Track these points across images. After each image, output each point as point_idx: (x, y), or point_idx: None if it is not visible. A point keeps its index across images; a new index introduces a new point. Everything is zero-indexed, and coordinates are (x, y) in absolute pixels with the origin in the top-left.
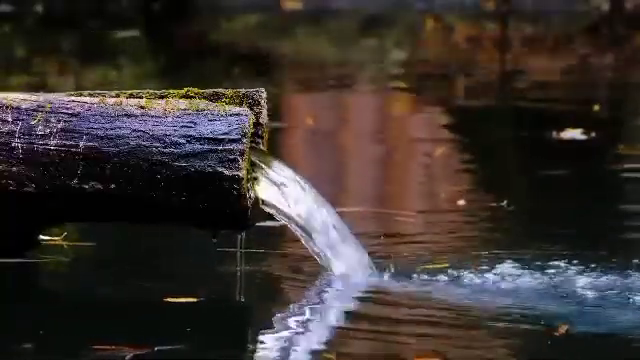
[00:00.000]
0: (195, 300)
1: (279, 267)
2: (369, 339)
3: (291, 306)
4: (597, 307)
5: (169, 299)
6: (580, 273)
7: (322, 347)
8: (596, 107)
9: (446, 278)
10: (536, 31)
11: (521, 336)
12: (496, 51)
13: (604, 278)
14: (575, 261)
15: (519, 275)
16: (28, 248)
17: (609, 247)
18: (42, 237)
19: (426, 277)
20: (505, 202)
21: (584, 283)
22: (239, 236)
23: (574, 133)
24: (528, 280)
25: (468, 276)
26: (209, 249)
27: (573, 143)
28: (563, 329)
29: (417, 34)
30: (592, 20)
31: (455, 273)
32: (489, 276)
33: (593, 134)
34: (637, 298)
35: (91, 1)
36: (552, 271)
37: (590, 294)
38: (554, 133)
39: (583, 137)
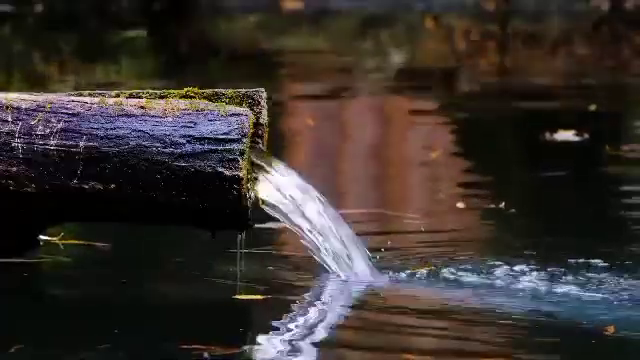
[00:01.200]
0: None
1: (279, 267)
2: (370, 339)
3: (291, 307)
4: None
5: (238, 296)
6: (600, 273)
7: (323, 349)
8: (592, 107)
9: (452, 280)
10: (536, 31)
11: (569, 337)
12: (496, 51)
13: (626, 277)
14: (591, 262)
15: (539, 276)
16: (28, 248)
17: (618, 246)
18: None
19: (430, 279)
20: (503, 204)
21: (609, 283)
22: (239, 236)
23: (567, 134)
24: (552, 281)
25: (487, 278)
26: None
27: (566, 144)
28: (611, 330)
29: (417, 34)
30: (592, 20)
31: (469, 275)
32: (507, 279)
33: (586, 135)
34: None
35: (91, 1)
36: (570, 272)
37: (623, 294)
38: (547, 134)
39: (576, 138)
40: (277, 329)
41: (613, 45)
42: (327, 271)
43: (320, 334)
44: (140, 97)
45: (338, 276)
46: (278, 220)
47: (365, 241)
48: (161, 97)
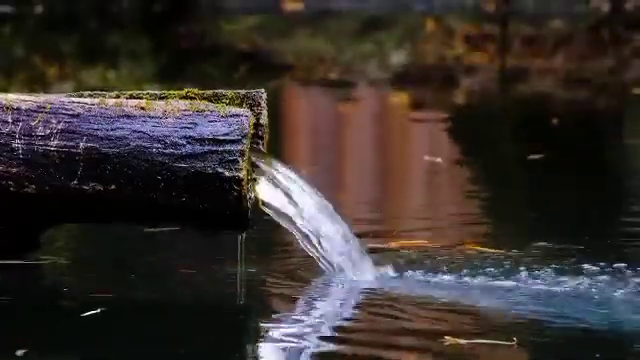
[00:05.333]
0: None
1: (279, 268)
2: (371, 339)
3: (291, 308)
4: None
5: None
6: (596, 273)
7: (324, 349)
8: (554, 121)
9: (454, 280)
10: (536, 32)
11: (569, 337)
12: (495, 53)
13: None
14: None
15: (539, 276)
16: (28, 249)
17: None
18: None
19: (431, 279)
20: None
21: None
22: (239, 237)
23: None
24: (552, 282)
25: (486, 278)
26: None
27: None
28: None
29: (417, 35)
30: (592, 21)
31: (460, 276)
32: (507, 279)
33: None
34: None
35: (91, 1)
36: (569, 273)
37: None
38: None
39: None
40: (277, 329)
41: (613, 46)
42: (326, 271)
43: (320, 334)
44: (140, 98)
45: (337, 276)
46: (277, 221)
47: (364, 241)
48: (161, 98)
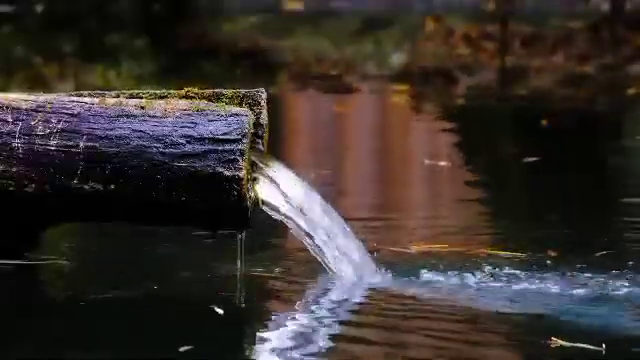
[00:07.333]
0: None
1: (279, 268)
2: (370, 340)
3: (291, 308)
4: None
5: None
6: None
7: (322, 349)
8: (543, 122)
9: (450, 280)
10: (536, 32)
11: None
12: (495, 52)
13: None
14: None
15: (539, 278)
16: (28, 249)
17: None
18: None
19: (430, 279)
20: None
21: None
22: (239, 236)
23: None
24: (552, 283)
25: (475, 279)
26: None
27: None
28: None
29: (417, 35)
30: (592, 20)
31: (458, 275)
32: (507, 280)
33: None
34: None
35: (92, 1)
36: (569, 274)
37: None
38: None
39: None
40: (278, 329)
41: (613, 46)
42: (327, 271)
43: (320, 334)
44: (140, 97)
45: (338, 276)
46: (278, 220)
47: (365, 240)
48: (161, 97)
